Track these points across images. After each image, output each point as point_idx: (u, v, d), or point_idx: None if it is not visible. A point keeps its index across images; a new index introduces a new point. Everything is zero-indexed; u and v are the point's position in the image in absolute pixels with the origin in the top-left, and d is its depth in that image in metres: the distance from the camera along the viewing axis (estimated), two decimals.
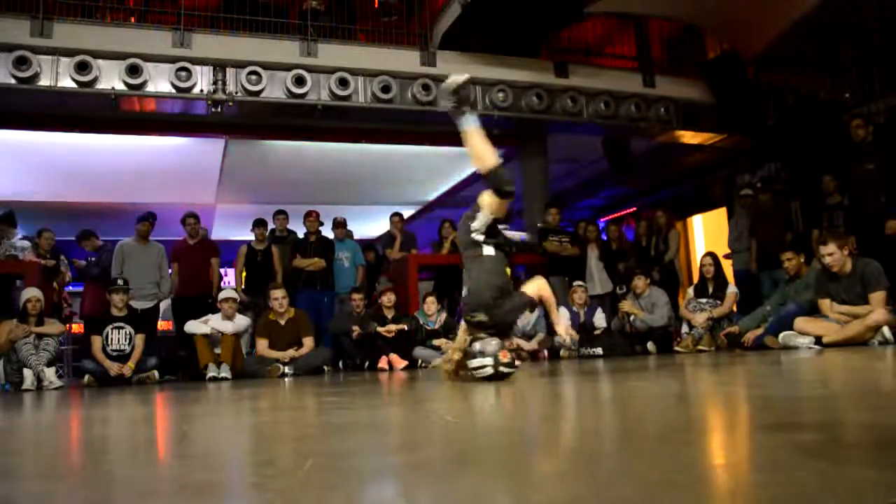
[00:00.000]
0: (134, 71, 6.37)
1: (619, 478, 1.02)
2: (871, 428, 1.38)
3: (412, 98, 7.15)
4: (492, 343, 3.20)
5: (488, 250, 3.44)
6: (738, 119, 8.30)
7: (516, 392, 2.88)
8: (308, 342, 6.14)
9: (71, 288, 8.40)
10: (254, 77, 6.70)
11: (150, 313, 6.63)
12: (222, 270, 7.44)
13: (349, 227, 8.06)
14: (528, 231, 6.66)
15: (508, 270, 3.61)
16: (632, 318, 6.63)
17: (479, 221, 3.44)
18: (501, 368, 3.14)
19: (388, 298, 6.49)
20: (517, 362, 3.36)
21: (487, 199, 3.42)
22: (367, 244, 9.49)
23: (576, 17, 7.44)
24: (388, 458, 1.35)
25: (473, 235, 3.45)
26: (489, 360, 3.14)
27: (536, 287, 3.54)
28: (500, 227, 3.53)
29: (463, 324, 3.47)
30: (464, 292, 3.50)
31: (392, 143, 8.40)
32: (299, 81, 6.80)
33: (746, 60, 8.30)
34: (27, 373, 5.25)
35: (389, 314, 6.43)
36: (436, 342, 6.35)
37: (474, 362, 3.18)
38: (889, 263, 4.97)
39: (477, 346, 3.20)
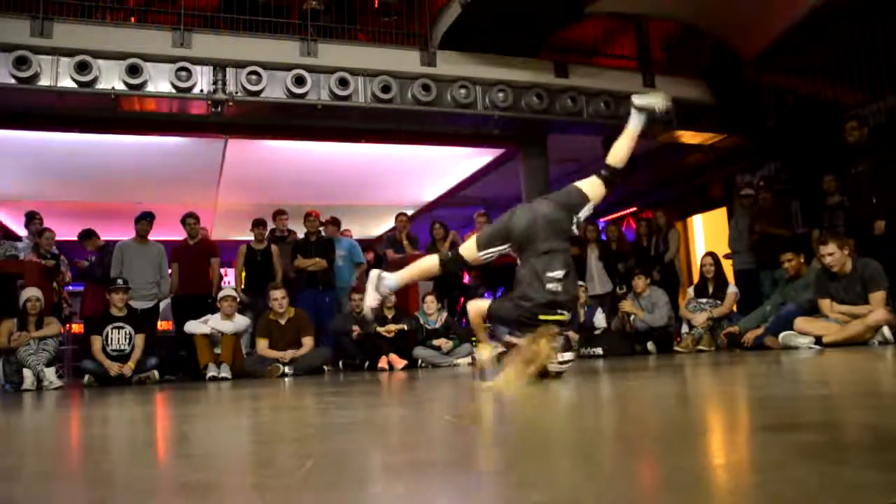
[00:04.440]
0: (134, 71, 6.36)
1: (619, 478, 1.02)
2: (871, 428, 1.38)
3: (412, 98, 7.15)
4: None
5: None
6: (738, 119, 8.29)
7: (516, 392, 2.88)
8: (307, 342, 6.14)
9: (71, 288, 8.40)
10: (254, 77, 6.69)
11: (150, 313, 6.63)
12: (222, 270, 7.44)
13: (349, 227, 8.05)
14: None
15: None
16: (632, 318, 6.63)
17: (586, 212, 3.39)
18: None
19: (388, 299, 6.48)
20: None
21: (600, 191, 3.43)
22: (366, 244, 9.48)
23: (576, 17, 7.43)
24: (388, 458, 1.35)
25: (574, 228, 3.36)
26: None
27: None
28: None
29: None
30: (555, 287, 3.17)
31: (392, 143, 8.39)
32: (299, 81, 6.79)
33: (746, 60, 8.30)
34: (27, 373, 5.25)
35: (389, 314, 6.43)
36: (436, 342, 6.36)
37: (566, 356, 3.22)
38: (882, 263, 4.97)
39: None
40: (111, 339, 5.75)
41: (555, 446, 1.43)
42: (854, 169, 5.91)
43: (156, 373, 5.83)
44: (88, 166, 8.60)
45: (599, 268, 7.57)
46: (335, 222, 7.74)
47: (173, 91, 6.54)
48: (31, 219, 7.13)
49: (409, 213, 10.59)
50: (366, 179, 9.86)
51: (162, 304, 7.08)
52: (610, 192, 3.49)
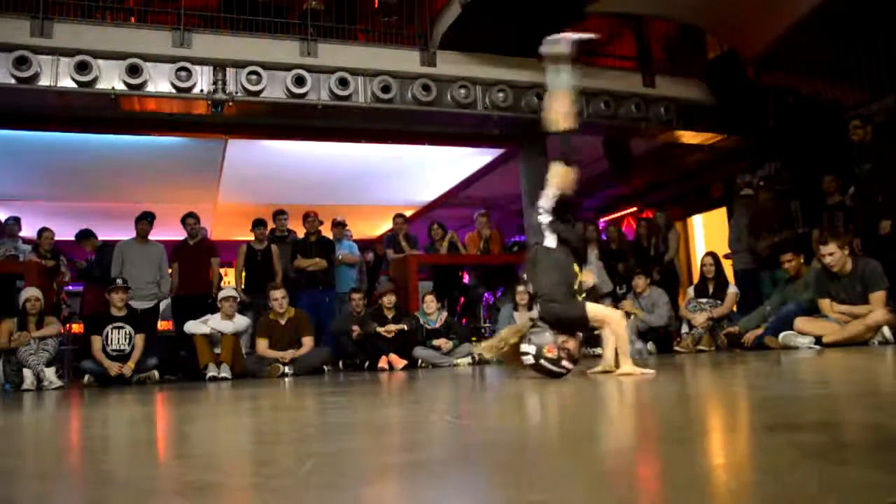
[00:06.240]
0: (134, 71, 6.36)
1: (619, 478, 1.02)
2: (871, 428, 1.38)
3: (412, 98, 7.14)
4: (544, 335, 3.22)
5: (550, 241, 3.35)
6: (738, 119, 8.29)
7: (516, 392, 2.88)
8: (307, 342, 6.14)
9: (70, 288, 8.39)
10: (254, 77, 6.69)
11: (150, 313, 6.63)
12: (222, 270, 7.44)
13: (349, 227, 8.05)
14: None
15: (578, 269, 3.40)
16: (632, 318, 6.63)
17: (547, 198, 3.35)
18: (542, 361, 3.17)
19: (388, 299, 6.49)
20: (565, 363, 3.21)
21: (555, 169, 3.37)
22: (366, 244, 9.48)
23: (576, 16, 7.43)
24: (388, 458, 1.35)
25: (541, 217, 3.35)
26: (532, 349, 3.19)
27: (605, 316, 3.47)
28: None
29: (526, 312, 3.42)
30: (536, 286, 3.42)
31: (392, 143, 8.40)
32: (299, 81, 6.79)
33: (746, 60, 8.29)
34: (27, 373, 5.25)
35: (390, 314, 6.43)
36: (436, 342, 6.35)
37: (522, 346, 3.23)
38: (887, 263, 4.97)
39: (532, 334, 3.25)
40: (111, 339, 5.75)
41: (554, 446, 1.43)
42: (858, 168, 5.90)
43: (156, 373, 5.83)
44: (88, 166, 8.59)
45: (599, 268, 7.56)
46: (339, 224, 7.79)
47: (173, 91, 6.54)
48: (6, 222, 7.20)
49: (409, 213, 10.61)
50: (366, 179, 9.86)
51: (162, 304, 7.08)
52: (569, 164, 3.53)
